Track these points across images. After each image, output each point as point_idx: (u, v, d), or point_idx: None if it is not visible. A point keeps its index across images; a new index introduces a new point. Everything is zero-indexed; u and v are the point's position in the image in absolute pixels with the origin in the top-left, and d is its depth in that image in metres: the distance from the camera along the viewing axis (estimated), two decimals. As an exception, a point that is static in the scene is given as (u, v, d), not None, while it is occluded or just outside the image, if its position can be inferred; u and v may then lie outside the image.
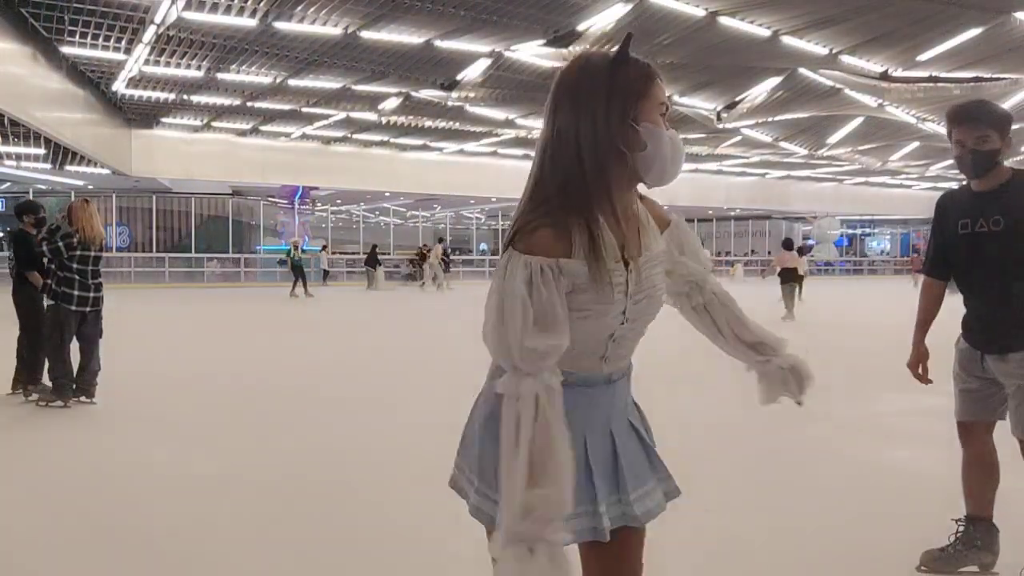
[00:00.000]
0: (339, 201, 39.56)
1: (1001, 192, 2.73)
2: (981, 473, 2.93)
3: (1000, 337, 2.80)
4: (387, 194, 35.03)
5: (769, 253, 45.81)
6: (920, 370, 3.03)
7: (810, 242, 46.97)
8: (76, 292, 5.98)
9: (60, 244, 5.94)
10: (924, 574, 2.94)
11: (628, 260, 1.45)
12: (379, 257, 26.08)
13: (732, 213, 44.26)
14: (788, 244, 15.44)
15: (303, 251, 22.30)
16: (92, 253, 6.07)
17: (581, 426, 1.45)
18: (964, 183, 2.89)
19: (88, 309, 6.07)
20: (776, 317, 14.10)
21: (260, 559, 3.18)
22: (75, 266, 5.98)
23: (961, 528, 2.93)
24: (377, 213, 45.41)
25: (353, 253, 34.61)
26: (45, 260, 6.16)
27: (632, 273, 1.46)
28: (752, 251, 46.38)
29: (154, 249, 31.72)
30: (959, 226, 2.82)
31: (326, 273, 28.29)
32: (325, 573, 3.07)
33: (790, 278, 14.53)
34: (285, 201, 37.79)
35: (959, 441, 3.00)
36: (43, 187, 30.01)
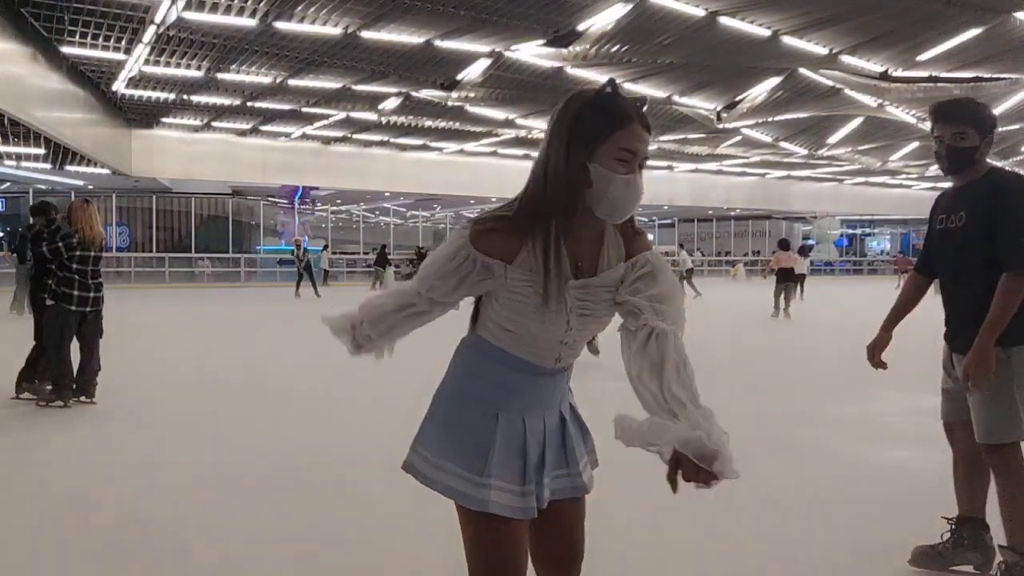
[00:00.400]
0: (339, 201, 39.59)
1: (968, 188, 2.79)
2: (965, 473, 2.92)
3: (953, 336, 2.82)
4: (387, 194, 35.04)
5: (773, 252, 45.84)
6: (874, 357, 3.01)
7: (810, 242, 46.92)
8: (76, 292, 5.99)
9: (60, 244, 5.96)
10: (915, 570, 2.95)
11: (577, 276, 1.62)
12: (388, 258, 25.97)
13: (732, 213, 44.26)
14: (784, 244, 15.84)
15: (305, 250, 22.30)
16: (92, 254, 6.08)
17: (521, 405, 1.68)
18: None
19: (88, 309, 6.08)
20: (778, 315, 14.60)
21: (260, 558, 3.18)
22: (75, 266, 5.99)
23: (952, 527, 2.94)
24: (377, 213, 45.43)
25: (353, 253, 34.62)
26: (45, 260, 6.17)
27: (579, 285, 1.62)
28: (757, 251, 46.30)
29: (154, 249, 31.72)
30: (938, 221, 2.88)
31: (326, 273, 28.29)
32: (325, 573, 3.07)
33: (786, 278, 14.81)
34: (285, 201, 37.81)
35: (948, 443, 2.99)
36: (43, 187, 30.01)
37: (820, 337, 12.00)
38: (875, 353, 3.01)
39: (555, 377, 1.72)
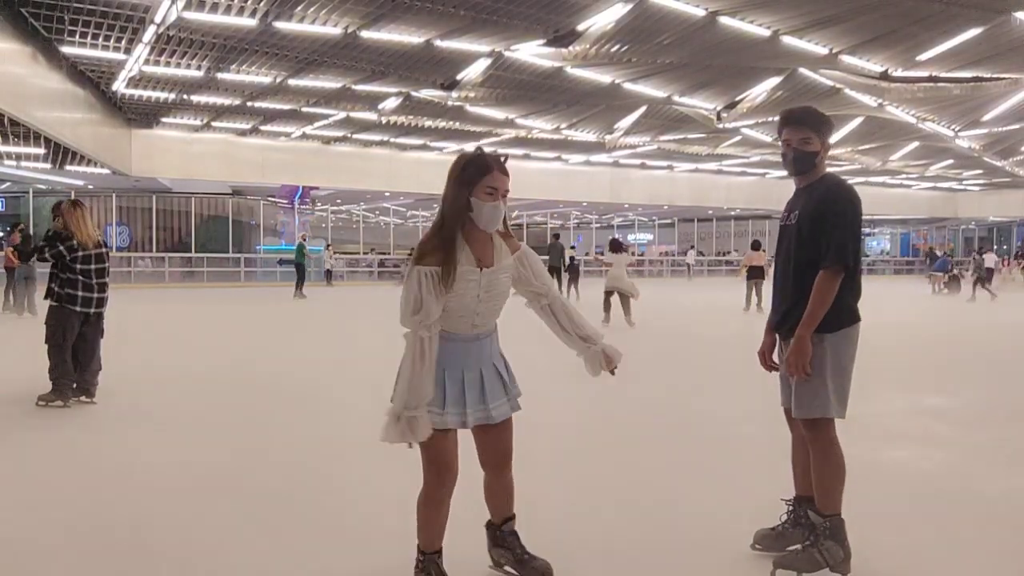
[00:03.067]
0: (339, 201, 39.56)
1: (805, 189, 3.01)
2: (803, 455, 3.08)
3: (781, 323, 3.01)
4: (387, 194, 35.01)
5: (746, 253, 45.95)
6: (766, 359, 3.17)
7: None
8: (80, 293, 5.98)
9: (61, 248, 5.94)
10: (758, 552, 3.09)
11: (481, 267, 2.59)
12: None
13: (732, 213, 44.22)
14: (756, 245, 17.49)
15: (305, 251, 22.38)
16: (92, 253, 6.06)
17: (460, 364, 2.64)
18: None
19: (92, 311, 6.07)
20: (748, 309, 16.01)
21: (258, 558, 3.18)
22: (79, 267, 5.98)
23: (790, 508, 3.11)
24: (377, 213, 45.41)
25: (353, 253, 34.62)
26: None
27: (483, 275, 2.60)
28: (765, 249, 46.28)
29: (154, 249, 31.69)
30: (782, 219, 3.11)
31: (329, 273, 28.26)
32: (324, 572, 3.07)
33: (756, 275, 16.46)
34: (285, 201, 37.77)
35: (788, 427, 3.15)
36: (43, 187, 29.99)
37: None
38: (765, 357, 3.19)
39: (478, 342, 2.67)
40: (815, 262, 2.86)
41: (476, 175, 2.53)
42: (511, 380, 2.79)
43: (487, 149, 2.65)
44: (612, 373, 2.80)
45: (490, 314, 2.65)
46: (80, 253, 5.99)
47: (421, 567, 2.74)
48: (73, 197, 6.67)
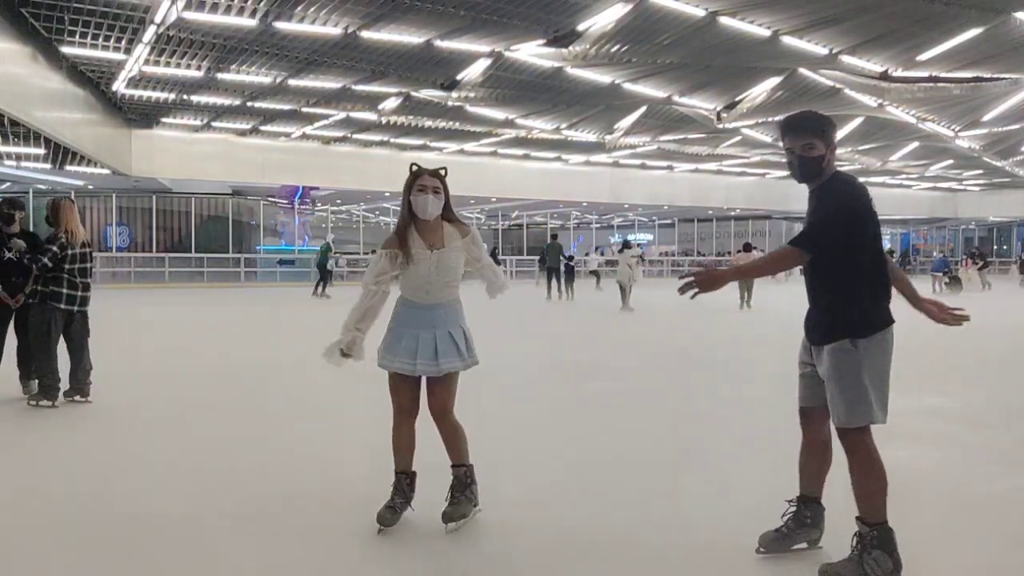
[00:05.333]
0: (339, 201, 39.55)
1: (814, 192, 2.99)
2: (814, 457, 3.12)
3: (811, 329, 3.01)
4: (387, 194, 35.00)
5: (737, 252, 46.04)
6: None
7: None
8: (65, 291, 5.99)
9: (55, 248, 5.92)
10: (763, 555, 3.09)
11: (432, 249, 3.41)
12: None
13: (732, 213, 44.22)
14: (747, 247, 19.67)
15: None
16: (78, 252, 6.05)
17: (416, 325, 3.41)
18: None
19: (76, 308, 6.08)
20: (742, 307, 16.79)
21: (257, 557, 3.18)
22: (66, 265, 5.98)
23: (792, 509, 3.12)
24: (377, 213, 45.40)
25: (353, 253, 34.60)
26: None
27: (433, 255, 3.41)
28: (762, 250, 46.29)
29: (154, 249, 31.67)
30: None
31: (330, 273, 28.21)
32: (323, 572, 3.07)
33: None
34: (285, 201, 37.76)
35: (800, 427, 3.18)
36: (43, 187, 29.98)
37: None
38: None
39: (431, 310, 3.42)
40: (831, 262, 2.86)
41: (410, 181, 3.44)
42: (468, 347, 3.47)
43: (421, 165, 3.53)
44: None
45: (442, 286, 3.42)
46: (69, 251, 5.99)
47: (394, 484, 3.49)
48: (66, 196, 6.66)
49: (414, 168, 3.45)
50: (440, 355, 3.35)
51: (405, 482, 3.47)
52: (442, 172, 3.49)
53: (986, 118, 21.14)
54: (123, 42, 14.85)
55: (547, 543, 3.28)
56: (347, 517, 3.62)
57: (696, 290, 2.81)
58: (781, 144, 3.07)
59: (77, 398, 6.11)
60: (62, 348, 6.10)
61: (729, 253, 46.44)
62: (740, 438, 5.21)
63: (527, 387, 7.38)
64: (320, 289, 21.18)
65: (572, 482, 4.26)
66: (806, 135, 2.95)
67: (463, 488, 3.45)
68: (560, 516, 3.66)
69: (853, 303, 2.87)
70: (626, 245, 18.20)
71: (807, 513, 3.08)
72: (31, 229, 6.99)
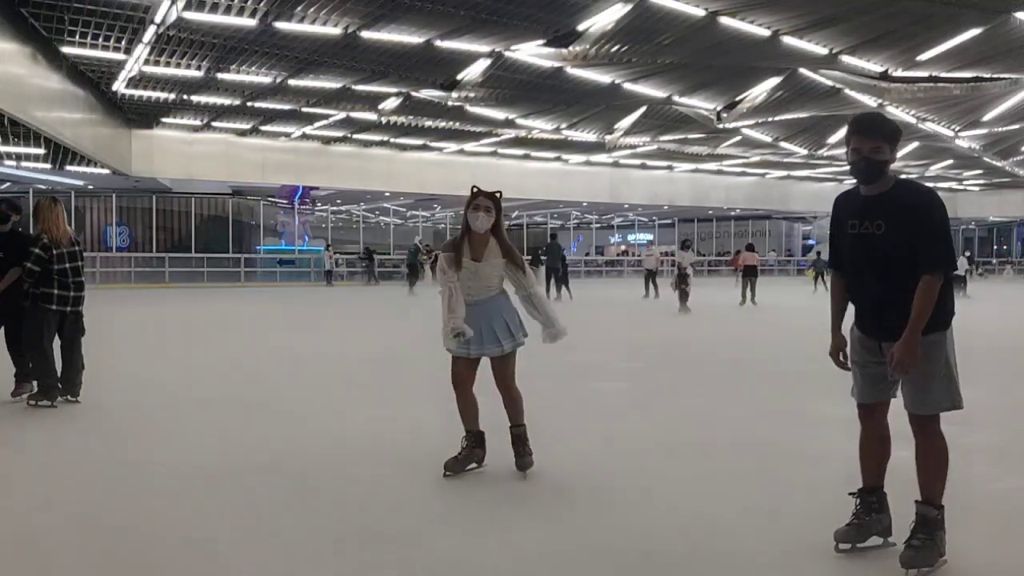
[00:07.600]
0: (339, 201, 39.57)
1: (883, 198, 3.01)
2: (878, 449, 3.23)
3: (884, 324, 3.04)
4: (387, 194, 35.04)
5: (773, 251, 46.30)
6: (840, 357, 3.25)
7: (810, 242, 46.92)
8: (56, 292, 5.96)
9: (37, 250, 5.87)
10: (843, 552, 3.11)
11: (476, 260, 4.16)
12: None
13: (732, 213, 44.24)
14: (751, 247, 20.38)
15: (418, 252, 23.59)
16: (65, 251, 6.01)
17: (469, 319, 4.11)
18: (856, 186, 3.16)
19: (68, 309, 6.06)
20: (744, 303, 17.67)
21: (255, 557, 3.18)
22: (54, 266, 5.94)
23: (859, 500, 3.19)
24: (377, 213, 45.42)
25: (353, 253, 34.62)
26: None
27: (473, 265, 4.15)
28: (769, 251, 46.20)
29: (154, 249, 31.67)
30: (850, 226, 3.09)
31: (329, 274, 28.26)
32: (322, 572, 3.07)
33: (750, 273, 18.78)
34: (285, 201, 37.78)
35: (859, 421, 3.28)
36: (43, 187, 29.98)
37: (819, 336, 12.00)
38: (840, 356, 3.26)
39: (479, 305, 4.17)
40: (914, 267, 2.92)
41: (470, 199, 4.18)
42: (510, 333, 4.20)
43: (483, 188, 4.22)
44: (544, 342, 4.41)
45: (480, 289, 4.19)
46: (55, 251, 5.96)
47: (464, 439, 4.23)
48: (49, 196, 6.62)
49: (474, 190, 4.18)
50: (485, 342, 4.16)
51: (472, 439, 4.22)
52: (497, 195, 4.19)
53: (986, 118, 21.16)
54: (123, 42, 14.86)
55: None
56: (347, 517, 3.62)
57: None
58: (846, 143, 3.08)
59: (68, 398, 6.09)
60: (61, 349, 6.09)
61: (729, 253, 46.51)
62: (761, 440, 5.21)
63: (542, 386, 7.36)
64: (412, 286, 22.94)
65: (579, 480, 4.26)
66: (877, 138, 2.99)
67: (522, 443, 4.22)
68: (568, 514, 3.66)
69: (944, 299, 2.98)
70: (684, 246, 18.72)
71: (872, 499, 3.17)
72: (30, 231, 6.95)
